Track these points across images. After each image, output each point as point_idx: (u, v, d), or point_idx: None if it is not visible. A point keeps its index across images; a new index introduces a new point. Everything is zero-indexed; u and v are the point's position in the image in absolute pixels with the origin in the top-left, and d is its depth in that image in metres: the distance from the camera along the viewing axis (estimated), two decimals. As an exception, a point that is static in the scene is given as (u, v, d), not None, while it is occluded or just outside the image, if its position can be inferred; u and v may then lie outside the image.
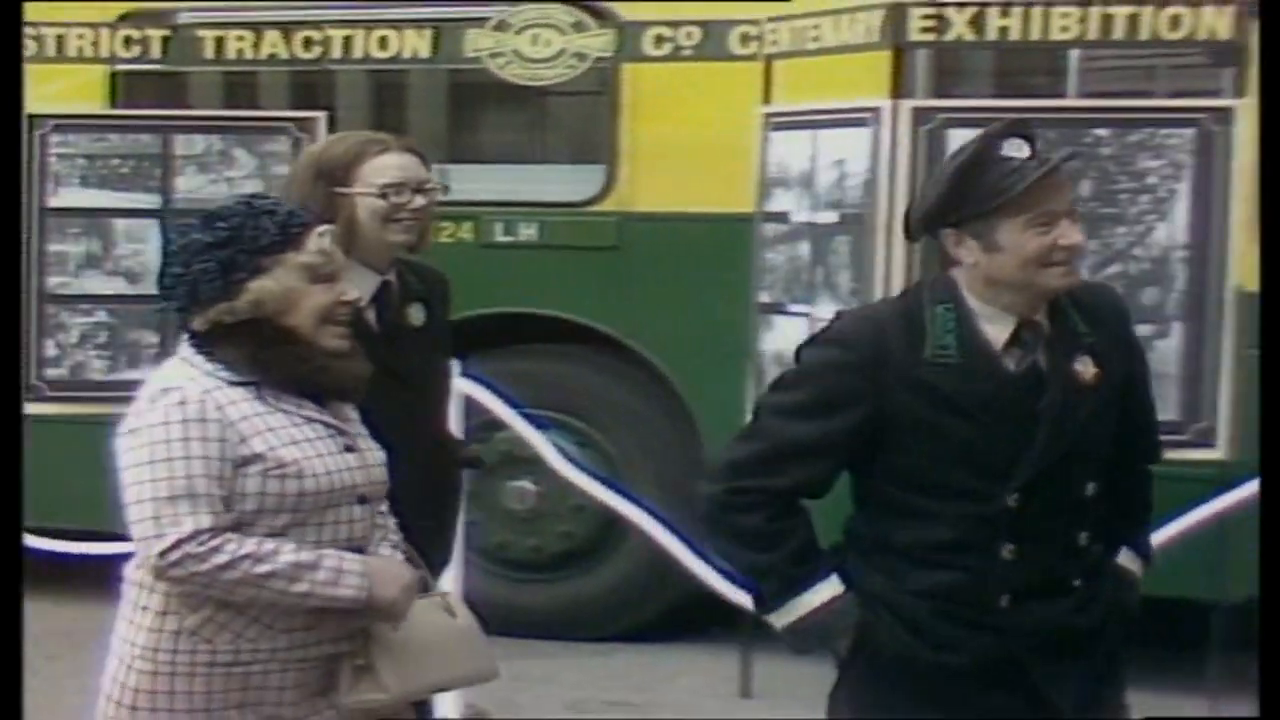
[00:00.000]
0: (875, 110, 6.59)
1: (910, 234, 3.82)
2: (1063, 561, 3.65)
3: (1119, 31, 6.55)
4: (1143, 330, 6.29)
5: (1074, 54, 7.45)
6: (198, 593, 3.54)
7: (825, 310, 6.73)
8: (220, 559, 3.48)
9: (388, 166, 4.40)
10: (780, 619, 3.76)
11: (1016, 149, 3.60)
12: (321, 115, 7.41)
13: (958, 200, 3.60)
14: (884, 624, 3.72)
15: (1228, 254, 6.42)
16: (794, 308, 6.94)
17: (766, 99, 7.11)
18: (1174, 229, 6.45)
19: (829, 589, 3.72)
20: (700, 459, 7.38)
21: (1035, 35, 6.61)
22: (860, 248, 6.62)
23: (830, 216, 6.78)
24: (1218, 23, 6.46)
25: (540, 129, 9.37)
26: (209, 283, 3.61)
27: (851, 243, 6.68)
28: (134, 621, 3.66)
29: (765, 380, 7.01)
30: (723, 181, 7.47)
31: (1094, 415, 3.65)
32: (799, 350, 3.79)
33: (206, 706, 3.59)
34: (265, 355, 3.60)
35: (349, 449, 3.70)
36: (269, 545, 3.52)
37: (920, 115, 6.58)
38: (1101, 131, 6.57)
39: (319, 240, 3.66)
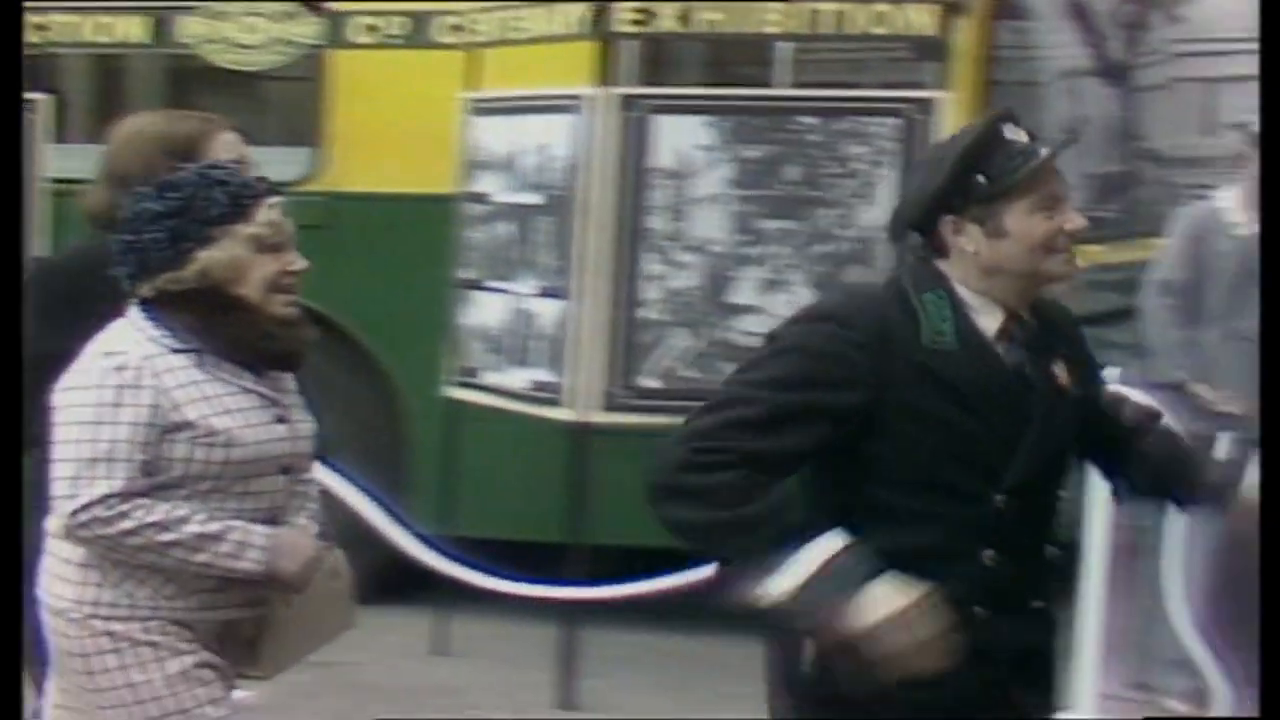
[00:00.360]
0: (580, 97, 6.75)
1: (897, 231, 3.61)
2: (1033, 575, 3.48)
3: (826, 26, 6.78)
4: None
5: (785, 46, 7.59)
6: (106, 554, 3.61)
7: (525, 287, 6.92)
8: (126, 524, 3.56)
9: (229, 143, 4.70)
10: (781, 582, 3.27)
11: (1016, 133, 3.49)
12: (47, 98, 7.41)
13: (965, 184, 3.44)
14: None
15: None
16: (494, 285, 7.11)
17: (473, 86, 7.24)
18: (878, 211, 6.62)
19: (838, 537, 3.31)
20: (401, 432, 7.54)
21: (742, 29, 6.83)
22: (562, 229, 6.78)
23: (533, 198, 6.92)
24: (921, 20, 6.71)
25: (254, 113, 9.32)
26: (158, 251, 3.66)
27: (553, 224, 6.83)
28: (58, 574, 3.71)
29: (464, 354, 7.21)
30: (427, 164, 7.58)
31: (1070, 421, 3.52)
32: (783, 328, 3.50)
33: (135, 661, 3.64)
34: (213, 323, 3.66)
35: (280, 420, 3.77)
36: (178, 513, 3.59)
37: (625, 102, 6.74)
38: (810, 119, 6.77)
39: (268, 212, 3.71)
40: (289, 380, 3.86)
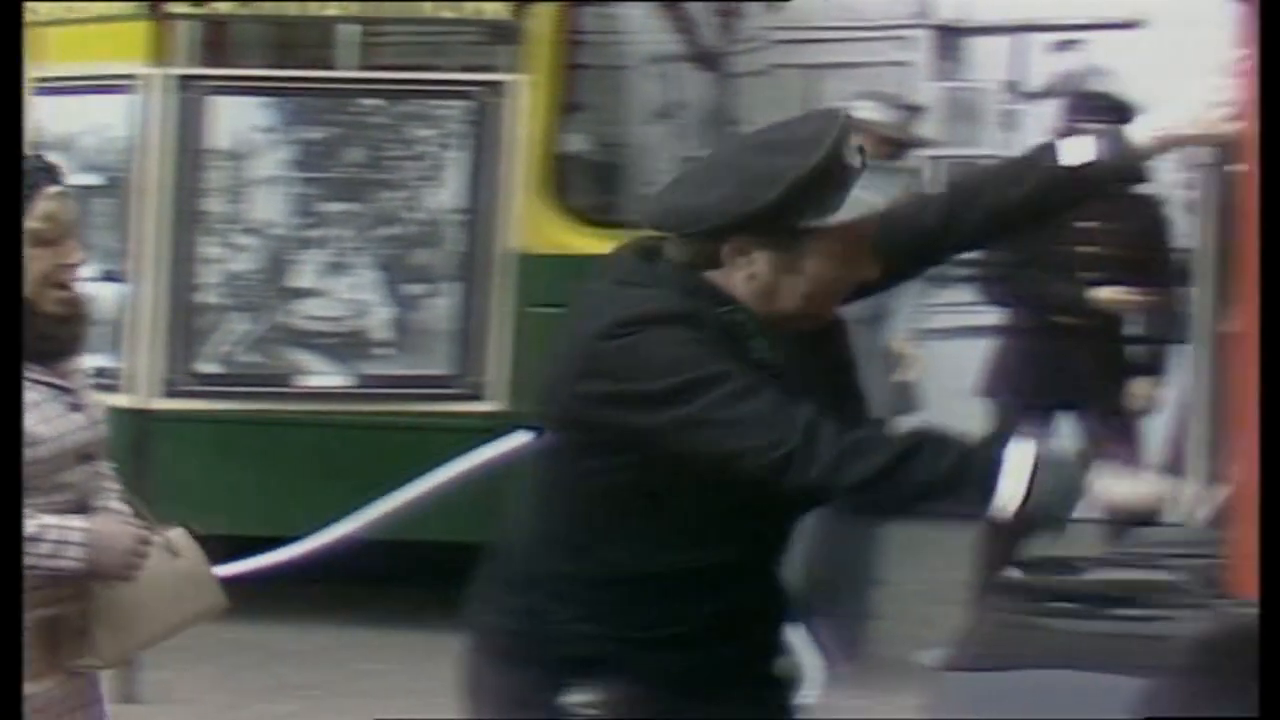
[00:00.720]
0: (136, 77, 6.62)
1: (688, 225, 3.09)
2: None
3: (396, 11, 6.83)
4: (415, 289, 6.62)
5: (353, 29, 7.50)
6: None
7: (86, 271, 6.63)
8: None
9: None
10: (1008, 490, 2.91)
11: (855, 155, 3.07)
12: None
13: (795, 206, 3.00)
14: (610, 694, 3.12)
15: (499, 217, 6.60)
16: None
17: (35, 64, 6.95)
18: (447, 194, 6.59)
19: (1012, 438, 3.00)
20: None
21: (306, 12, 6.87)
22: (122, 211, 6.63)
23: (93, 180, 6.73)
24: (494, 4, 6.74)
25: None
26: None
27: (113, 206, 6.67)
28: None
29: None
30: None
31: None
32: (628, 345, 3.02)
33: None
34: None
35: (75, 407, 3.60)
36: None
37: (182, 83, 6.63)
38: (375, 102, 6.72)
39: (46, 204, 3.51)
40: (79, 362, 3.68)
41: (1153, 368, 6.46)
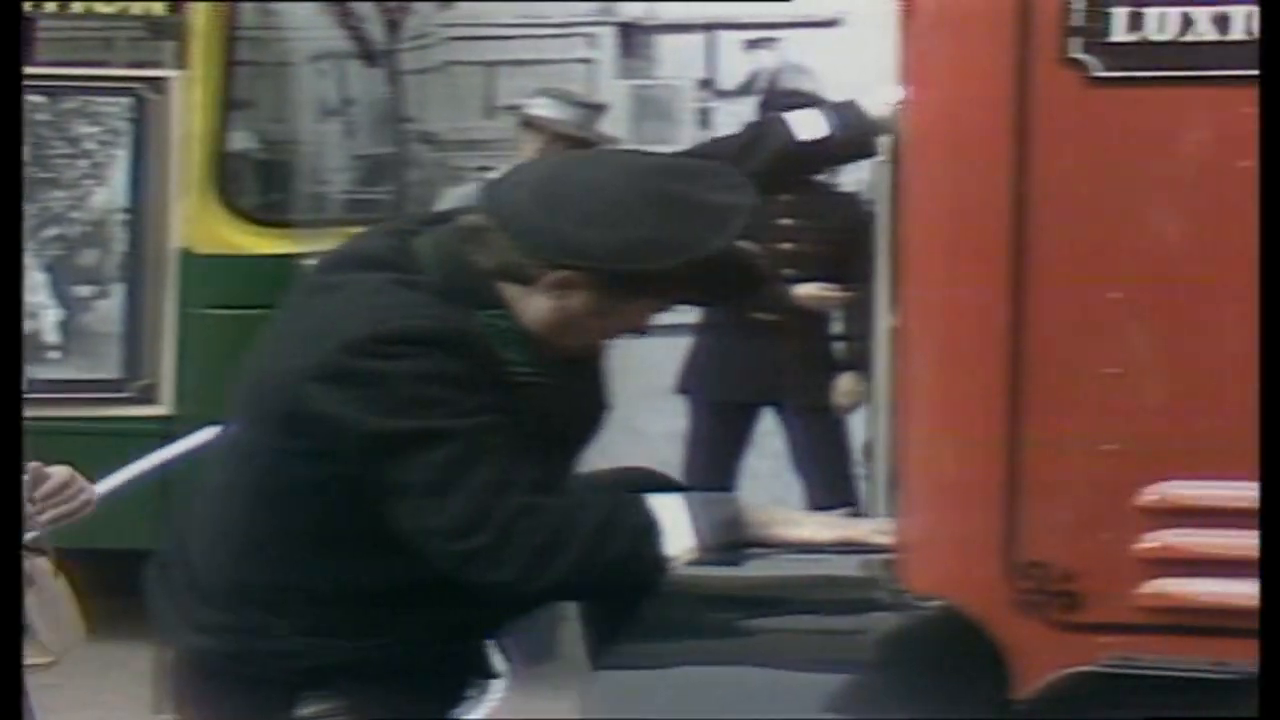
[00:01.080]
0: None
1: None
2: None
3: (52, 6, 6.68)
4: (83, 291, 6.46)
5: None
6: None
7: None
8: None
9: None
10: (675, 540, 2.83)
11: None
12: None
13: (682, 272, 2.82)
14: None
15: (165, 216, 6.47)
16: None
17: None
18: (113, 193, 6.45)
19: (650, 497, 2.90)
20: None
21: None
22: None
23: None
24: (154, 3, 6.66)
25: None
26: None
27: None
28: None
29: None
30: None
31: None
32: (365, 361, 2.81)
33: None
34: None
35: None
36: None
37: None
38: (36, 98, 6.49)
39: None
40: None
41: (856, 364, 6.32)
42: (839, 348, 6.54)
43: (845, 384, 6.37)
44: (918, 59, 2.48)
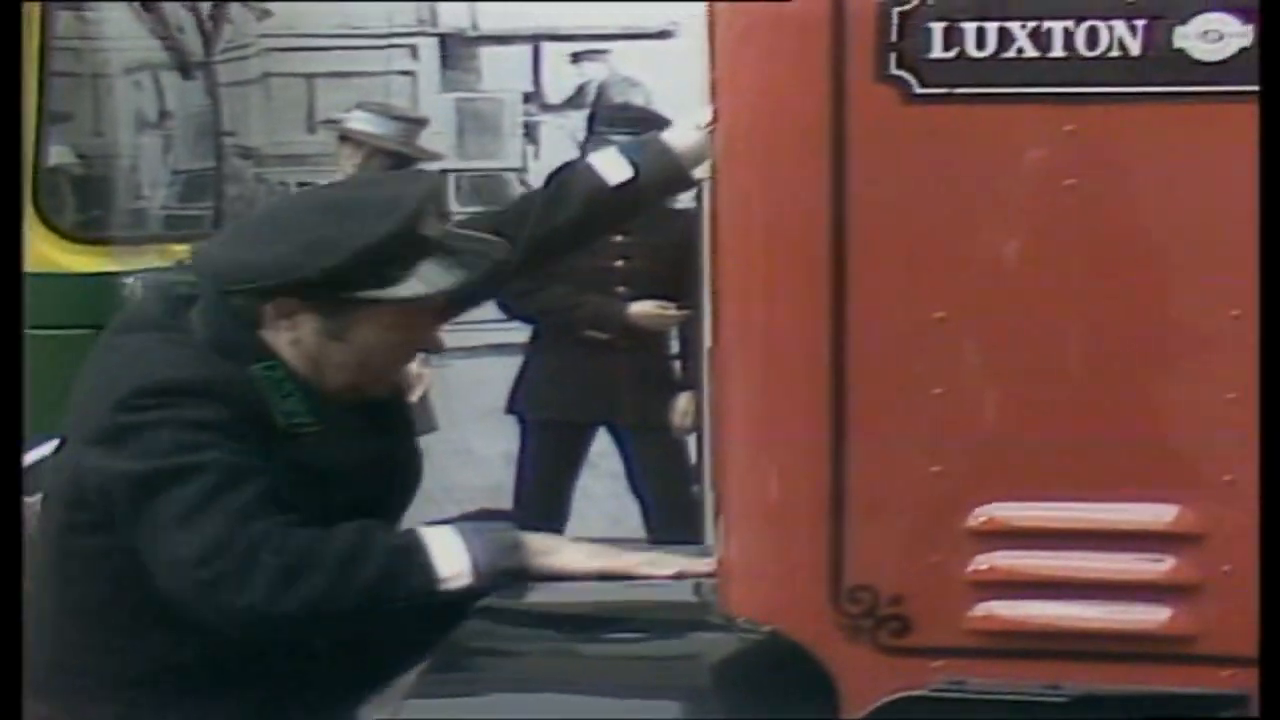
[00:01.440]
0: None
1: (229, 281, 2.89)
2: None
3: None
4: None
5: None
6: None
7: None
8: None
9: None
10: (447, 564, 2.79)
11: (434, 226, 2.88)
12: None
13: (353, 276, 2.83)
14: None
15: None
16: None
17: None
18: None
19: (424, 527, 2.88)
20: None
21: None
22: None
23: None
24: None
25: None
26: None
27: None
28: None
29: None
30: None
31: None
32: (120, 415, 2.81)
33: None
34: None
35: None
36: None
37: None
38: None
39: None
40: None
41: (694, 383, 6.23)
42: (676, 367, 6.44)
43: (682, 404, 6.22)
44: (729, 76, 2.43)
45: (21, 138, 2.51)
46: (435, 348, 3.09)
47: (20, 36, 2.81)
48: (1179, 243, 2.29)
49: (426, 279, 2.88)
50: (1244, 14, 2.23)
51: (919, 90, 2.28)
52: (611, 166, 3.17)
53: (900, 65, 2.28)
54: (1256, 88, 2.20)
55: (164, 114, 7.27)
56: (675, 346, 6.40)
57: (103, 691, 2.92)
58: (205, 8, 7.18)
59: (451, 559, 2.79)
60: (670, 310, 6.18)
